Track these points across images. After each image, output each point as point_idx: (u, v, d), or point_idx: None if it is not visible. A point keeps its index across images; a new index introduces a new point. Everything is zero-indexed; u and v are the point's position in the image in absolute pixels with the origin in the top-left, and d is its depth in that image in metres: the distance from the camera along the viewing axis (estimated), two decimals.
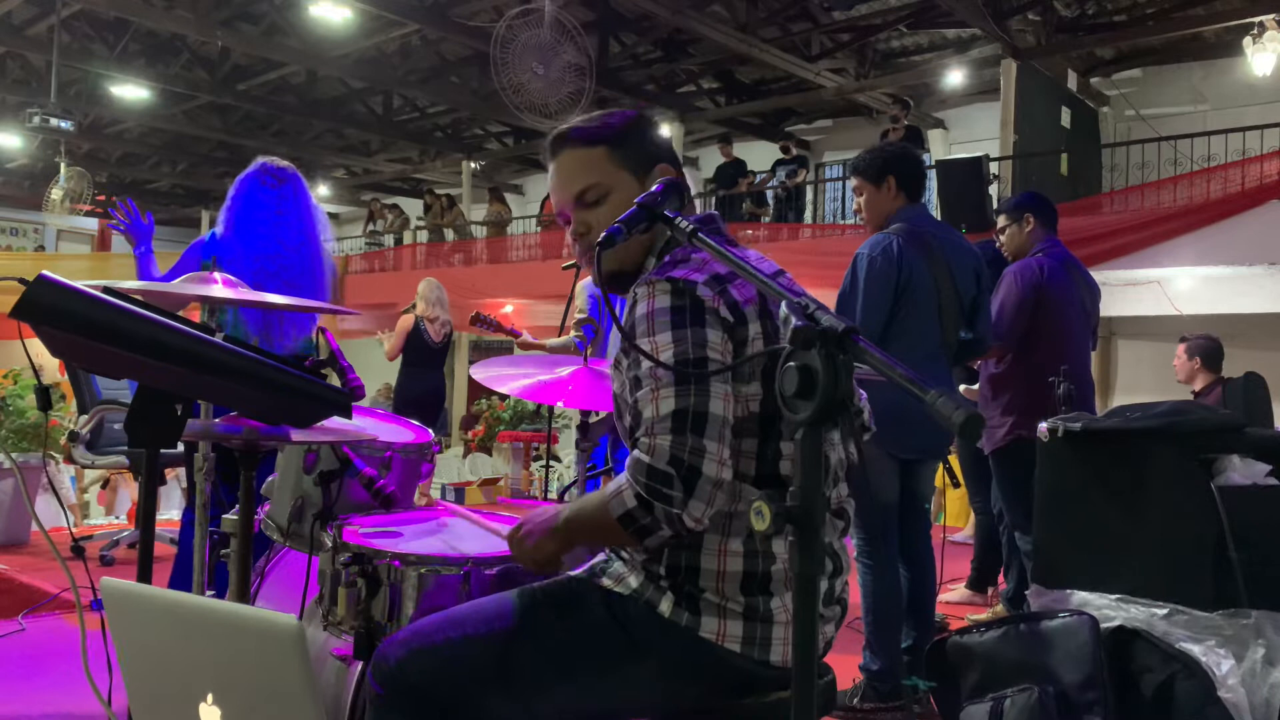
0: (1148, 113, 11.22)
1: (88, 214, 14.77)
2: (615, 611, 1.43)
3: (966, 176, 8.13)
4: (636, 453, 1.34)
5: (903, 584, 3.10)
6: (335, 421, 1.85)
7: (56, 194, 13.60)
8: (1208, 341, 5.35)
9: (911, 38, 11.73)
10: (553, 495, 4.68)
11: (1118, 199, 9.47)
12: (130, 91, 13.32)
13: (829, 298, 2.50)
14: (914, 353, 2.94)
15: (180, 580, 3.20)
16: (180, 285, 2.17)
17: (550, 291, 10.48)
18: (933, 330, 3.04)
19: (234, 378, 1.56)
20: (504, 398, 9.82)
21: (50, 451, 5.26)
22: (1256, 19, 9.08)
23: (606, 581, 1.46)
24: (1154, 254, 8.40)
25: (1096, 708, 2.14)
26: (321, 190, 18.75)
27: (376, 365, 6.82)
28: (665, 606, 1.40)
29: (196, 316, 2.20)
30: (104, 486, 6.87)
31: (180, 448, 3.38)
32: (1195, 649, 2.16)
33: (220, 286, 2.04)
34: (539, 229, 14.21)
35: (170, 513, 6.40)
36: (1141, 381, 10.10)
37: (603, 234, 1.34)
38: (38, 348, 1.51)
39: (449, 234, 15.82)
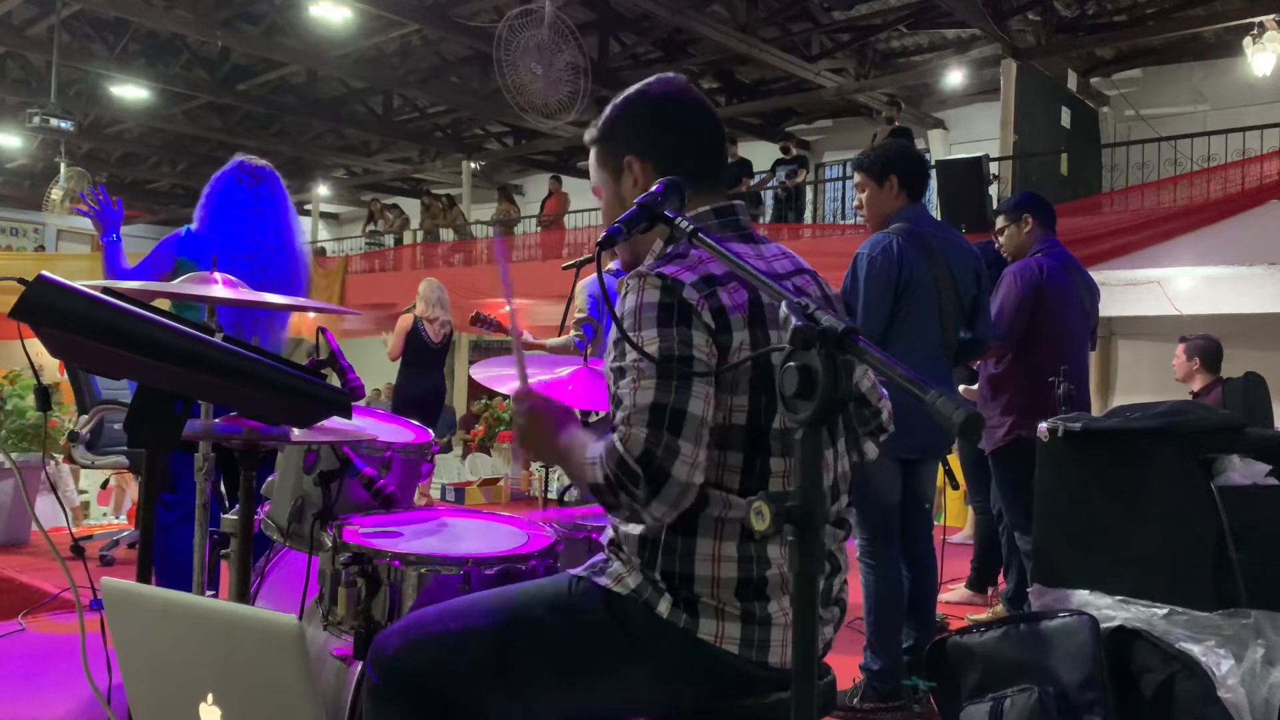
0: (1148, 113, 11.22)
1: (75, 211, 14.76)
2: (614, 611, 1.43)
3: (966, 176, 8.14)
4: (614, 438, 1.35)
5: (904, 584, 3.10)
6: (335, 421, 1.85)
7: (56, 194, 13.60)
8: (1207, 342, 5.34)
9: (911, 38, 11.73)
10: (553, 495, 4.69)
11: (1118, 199, 9.47)
12: (130, 91, 13.33)
13: None
14: (914, 353, 2.94)
15: (165, 581, 3.20)
16: (180, 285, 2.17)
17: (550, 291, 10.47)
18: (933, 330, 3.04)
19: (234, 378, 1.56)
20: (504, 397, 9.81)
21: (50, 452, 5.26)
22: (1256, 19, 9.09)
23: (606, 581, 1.46)
24: (1154, 254, 8.39)
25: (1096, 708, 2.14)
26: (321, 190, 18.77)
27: (377, 365, 6.81)
28: (663, 607, 1.40)
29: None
30: (104, 486, 6.87)
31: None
32: (1195, 649, 2.16)
33: (220, 287, 2.04)
34: (539, 229, 14.20)
35: None
36: (1141, 381, 10.10)
37: (603, 234, 1.34)
38: (38, 348, 1.50)
39: (449, 234, 15.81)
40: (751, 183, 12.39)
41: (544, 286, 11.12)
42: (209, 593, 2.28)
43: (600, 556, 1.54)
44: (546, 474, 3.33)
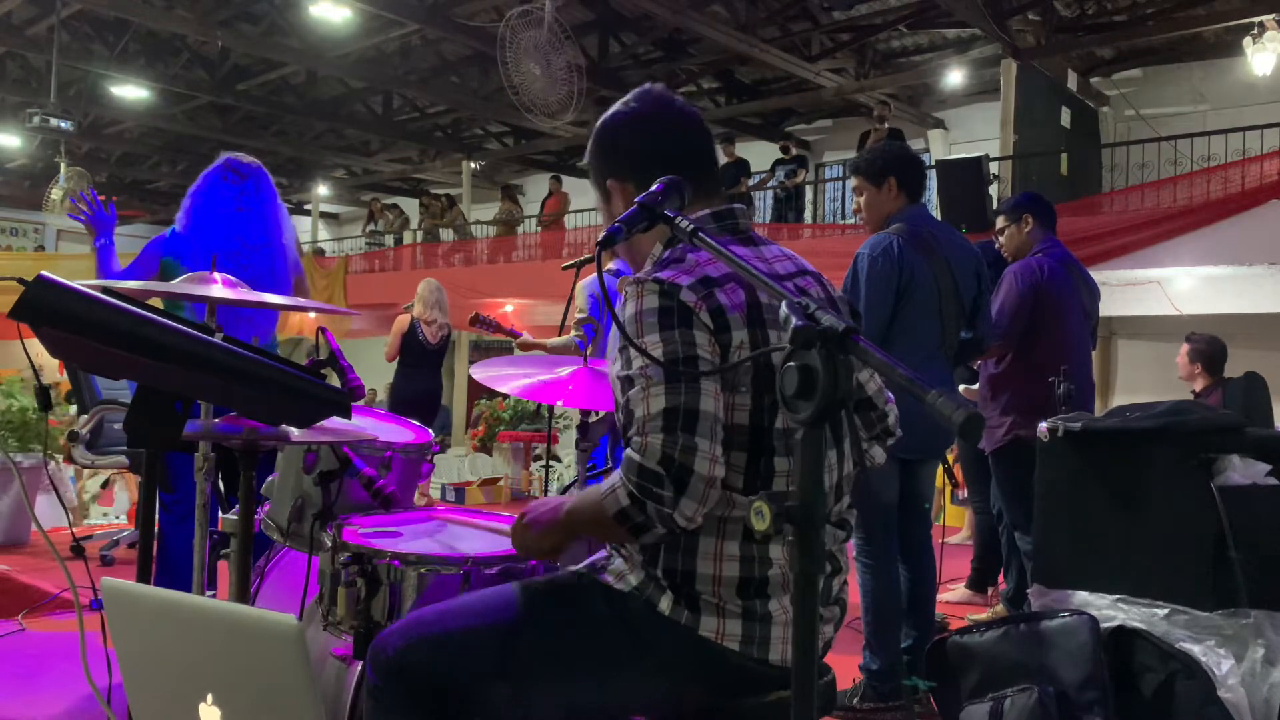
0: (1148, 113, 11.22)
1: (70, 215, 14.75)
2: (616, 608, 1.43)
3: (966, 176, 8.14)
4: (629, 451, 1.34)
5: (902, 584, 3.10)
6: (335, 421, 1.85)
7: (56, 194, 13.60)
8: (1210, 346, 5.31)
9: (911, 38, 11.73)
10: (554, 493, 4.68)
11: (1118, 199, 9.46)
12: (130, 91, 13.32)
13: None
14: (914, 353, 2.94)
15: (164, 580, 3.20)
16: (180, 285, 2.17)
17: (550, 292, 10.48)
18: (933, 330, 3.04)
19: (234, 378, 1.56)
20: (504, 397, 9.83)
21: (50, 452, 5.25)
22: (1256, 19, 9.08)
23: (607, 578, 1.46)
24: (1154, 254, 8.39)
25: (1096, 708, 2.14)
26: (321, 190, 18.76)
27: (377, 366, 6.80)
28: (665, 604, 1.40)
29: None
30: (104, 486, 6.87)
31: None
32: (1195, 649, 2.16)
33: (220, 287, 2.04)
34: (539, 229, 14.20)
35: None
36: (1141, 381, 10.10)
37: (603, 234, 1.35)
38: (38, 348, 1.50)
39: (449, 234, 15.81)
40: (750, 183, 12.40)
41: (544, 286, 11.13)
42: (209, 593, 2.28)
43: (601, 554, 1.54)
44: (546, 474, 3.33)
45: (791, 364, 0.99)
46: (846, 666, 3.01)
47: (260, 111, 14.55)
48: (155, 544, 3.33)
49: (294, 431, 1.85)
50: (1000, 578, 4.48)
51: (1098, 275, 4.38)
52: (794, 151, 12.49)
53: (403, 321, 6.59)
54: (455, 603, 1.52)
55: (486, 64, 12.32)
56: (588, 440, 3.15)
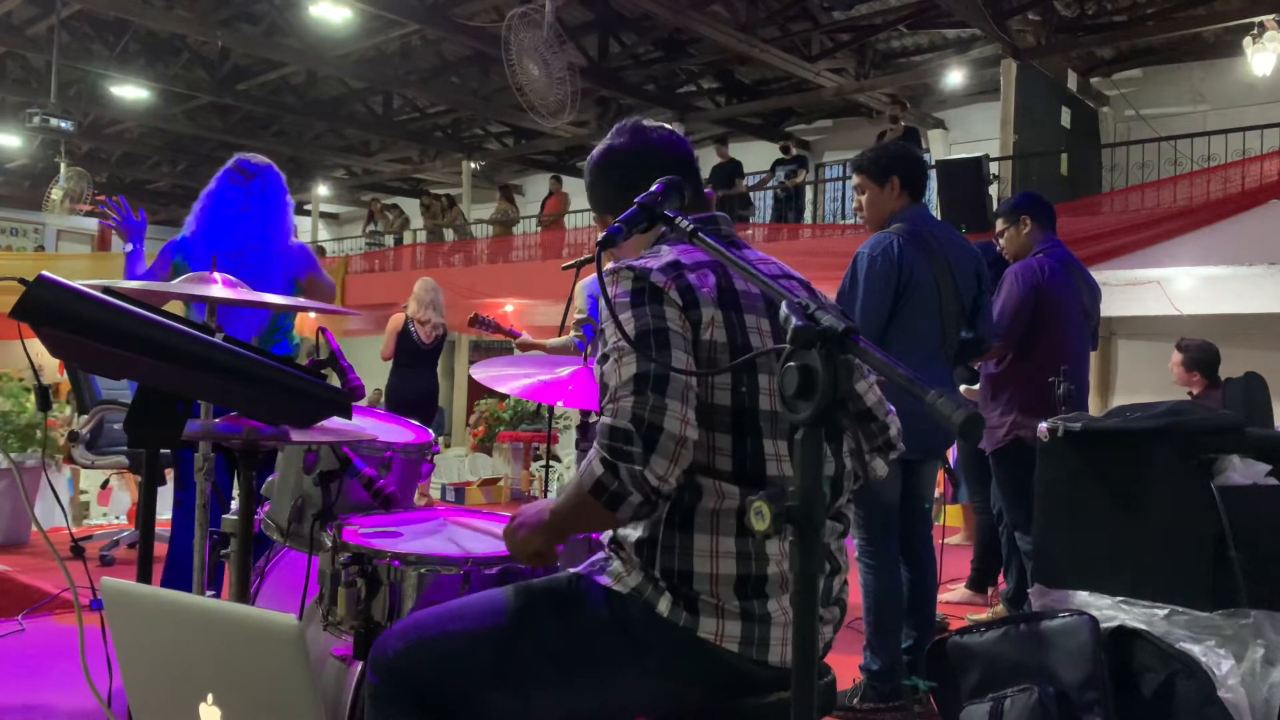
0: (1148, 113, 11.22)
1: (87, 214, 14.77)
2: (614, 610, 1.43)
3: (966, 177, 8.15)
4: (602, 419, 1.37)
5: (903, 584, 3.10)
6: (335, 421, 1.85)
7: (56, 194, 13.61)
8: (1203, 352, 5.31)
9: (911, 38, 11.73)
10: (552, 495, 4.69)
11: (1118, 199, 9.46)
12: (130, 91, 13.32)
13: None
14: (914, 353, 2.94)
15: (172, 581, 3.20)
16: (180, 285, 2.17)
17: (550, 292, 10.48)
18: (933, 330, 3.04)
19: (234, 378, 1.56)
20: (504, 398, 9.82)
21: (50, 452, 5.25)
22: (1256, 19, 9.08)
23: (606, 580, 1.46)
24: (1154, 254, 8.39)
25: (1096, 708, 2.14)
26: (321, 190, 18.76)
27: (376, 366, 6.79)
28: (664, 606, 1.40)
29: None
30: (103, 486, 6.87)
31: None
32: (1195, 649, 2.16)
33: (220, 287, 2.04)
34: (539, 229, 14.21)
35: (169, 512, 6.38)
36: (1141, 381, 10.09)
37: (602, 234, 1.36)
38: (38, 348, 1.50)
39: (449, 234, 15.82)
40: (742, 184, 12.41)
41: (544, 287, 11.14)
42: (209, 593, 2.28)
43: (600, 555, 1.54)
44: (546, 474, 3.33)
45: (791, 364, 0.99)
46: (846, 666, 3.01)
47: (260, 111, 14.55)
48: (168, 543, 3.35)
49: (294, 431, 1.85)
50: (1000, 578, 4.48)
51: (1098, 275, 4.37)
52: (794, 151, 12.50)
53: (396, 321, 6.55)
54: (455, 604, 1.52)
55: (486, 64, 12.34)
56: (588, 440, 3.15)
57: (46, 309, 1.41)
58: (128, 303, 1.49)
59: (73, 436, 4.72)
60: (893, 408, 1.67)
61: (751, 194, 12.81)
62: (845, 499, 1.55)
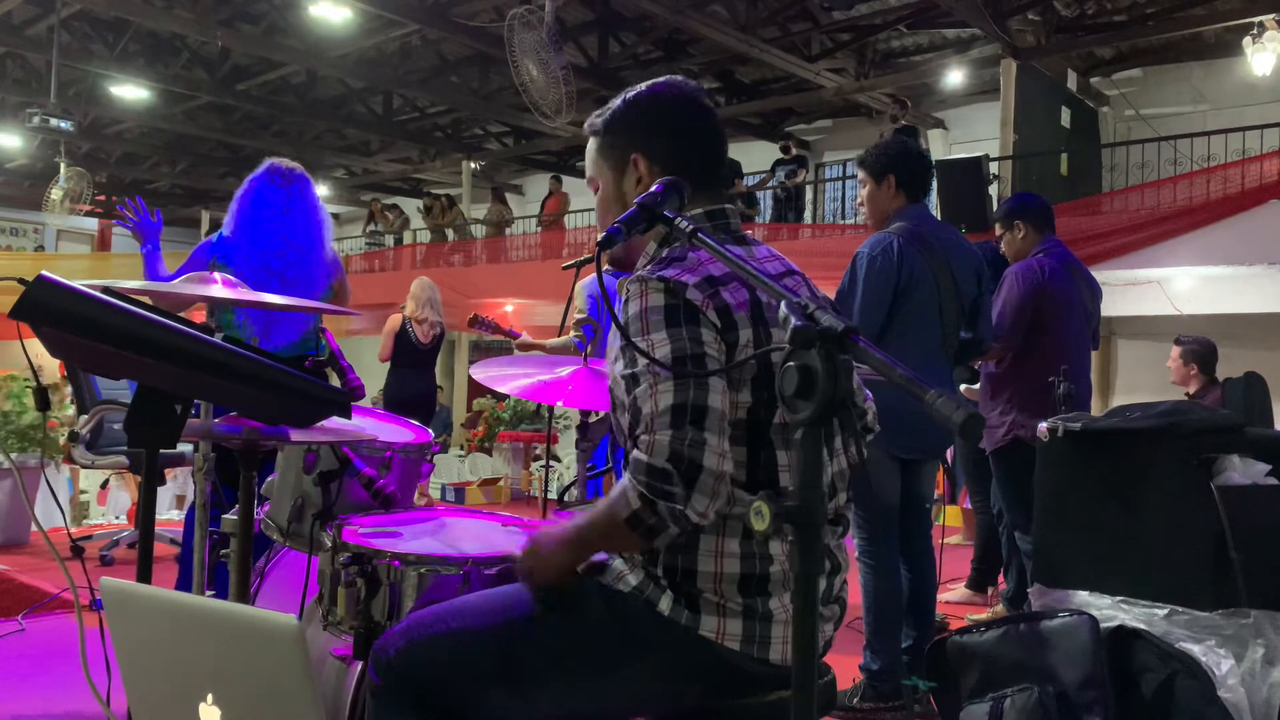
0: (1148, 113, 11.22)
1: (88, 214, 14.78)
2: (615, 609, 1.43)
3: (966, 176, 8.15)
4: (636, 451, 1.34)
5: (903, 584, 3.10)
6: (335, 421, 1.85)
7: (56, 194, 13.60)
8: (1202, 347, 5.31)
9: (911, 38, 11.73)
10: (552, 495, 4.69)
11: (1118, 199, 9.46)
12: (130, 91, 13.31)
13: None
14: (914, 352, 2.94)
15: (188, 581, 3.21)
16: (179, 285, 2.17)
17: (550, 292, 10.48)
18: (933, 330, 3.04)
19: (233, 377, 1.56)
20: (503, 397, 9.82)
21: (50, 453, 5.25)
22: (1256, 19, 9.08)
23: (607, 579, 1.46)
24: (1154, 254, 8.39)
25: (1096, 707, 2.14)
26: (322, 190, 18.72)
27: (377, 366, 6.79)
28: (665, 605, 1.40)
29: (201, 318, 2.20)
30: (102, 487, 6.87)
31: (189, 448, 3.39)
32: (1195, 649, 2.16)
33: (219, 286, 2.04)
34: (539, 229, 14.20)
35: (168, 512, 6.40)
36: (1141, 381, 10.09)
37: (602, 234, 1.35)
38: (38, 348, 1.50)
39: (449, 234, 15.82)
40: (742, 184, 12.40)
41: (544, 287, 11.13)
42: (210, 592, 2.28)
43: (601, 554, 1.54)
44: (546, 474, 3.34)
45: (791, 364, 0.99)
46: (846, 666, 3.01)
47: (260, 111, 14.54)
48: (179, 546, 3.36)
49: (294, 431, 1.85)
50: (1000, 578, 4.48)
51: (1098, 275, 4.37)
52: (794, 151, 12.48)
53: (394, 321, 6.53)
54: (457, 603, 1.52)
55: (486, 64, 12.34)
56: (588, 440, 3.15)
57: (46, 309, 1.41)
58: (127, 303, 1.49)
59: (73, 436, 4.72)
60: (870, 393, 1.68)
61: (752, 194, 12.79)
62: (845, 499, 1.55)
